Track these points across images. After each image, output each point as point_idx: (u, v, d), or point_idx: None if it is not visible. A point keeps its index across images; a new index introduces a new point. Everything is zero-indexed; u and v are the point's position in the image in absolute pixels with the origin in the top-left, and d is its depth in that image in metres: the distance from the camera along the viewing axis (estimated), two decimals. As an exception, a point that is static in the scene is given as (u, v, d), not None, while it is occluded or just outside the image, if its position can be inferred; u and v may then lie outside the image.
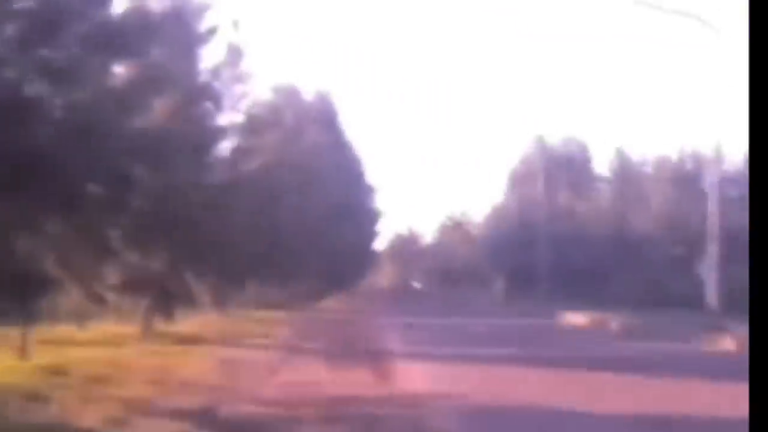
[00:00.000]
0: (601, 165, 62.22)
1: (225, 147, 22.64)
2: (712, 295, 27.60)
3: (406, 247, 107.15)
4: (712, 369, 16.60)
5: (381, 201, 64.64)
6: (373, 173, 65.37)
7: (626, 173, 58.72)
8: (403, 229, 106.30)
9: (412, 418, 9.74)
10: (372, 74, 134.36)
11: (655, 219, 52.17)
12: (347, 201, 43.91)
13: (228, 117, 23.88)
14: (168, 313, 18.33)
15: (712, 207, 28.86)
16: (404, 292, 65.72)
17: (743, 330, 23.50)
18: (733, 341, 21.25)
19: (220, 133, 21.51)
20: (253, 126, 25.80)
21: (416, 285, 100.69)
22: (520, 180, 64.86)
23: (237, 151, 22.88)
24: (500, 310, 44.13)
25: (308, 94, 45.47)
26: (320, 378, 12.94)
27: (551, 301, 46.71)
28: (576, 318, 32.55)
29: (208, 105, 20.48)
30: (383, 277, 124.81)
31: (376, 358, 16.18)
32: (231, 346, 18.56)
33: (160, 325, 19.44)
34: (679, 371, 15.45)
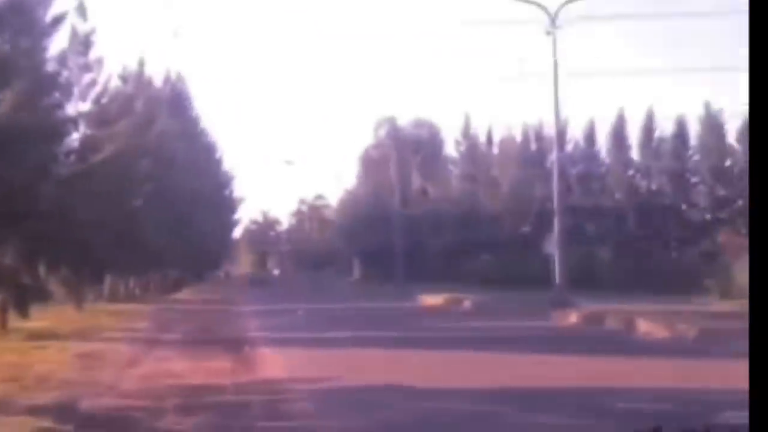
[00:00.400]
0: (451, 147, 63.49)
1: (75, 137, 22.19)
2: (558, 272, 28.72)
3: (262, 234, 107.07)
4: (557, 342, 17.48)
5: (238, 188, 64.30)
6: (229, 160, 64.88)
7: (474, 155, 60.01)
8: (258, 215, 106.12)
9: (271, 403, 9.94)
10: (224, 59, 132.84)
11: (504, 199, 53.71)
12: (204, 188, 43.55)
13: (77, 106, 23.51)
14: (22, 309, 17.87)
15: (555, 186, 29.98)
16: (263, 280, 66.03)
17: (586, 305, 24.81)
18: (576, 315, 22.29)
19: (70, 122, 21.06)
20: (103, 115, 25.35)
21: (275, 271, 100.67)
22: (373, 163, 65.55)
23: (87, 141, 22.42)
24: (358, 293, 44.83)
25: (160, 81, 44.74)
26: (180, 369, 12.97)
27: (407, 284, 47.73)
28: (431, 299, 33.53)
29: (56, 95, 20.04)
30: (241, 265, 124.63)
31: (234, 346, 16.29)
32: (88, 339, 18.28)
33: (15, 321, 18.96)
34: (525, 345, 16.26)
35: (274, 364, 13.72)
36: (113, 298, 36.06)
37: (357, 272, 72.72)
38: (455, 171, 64.01)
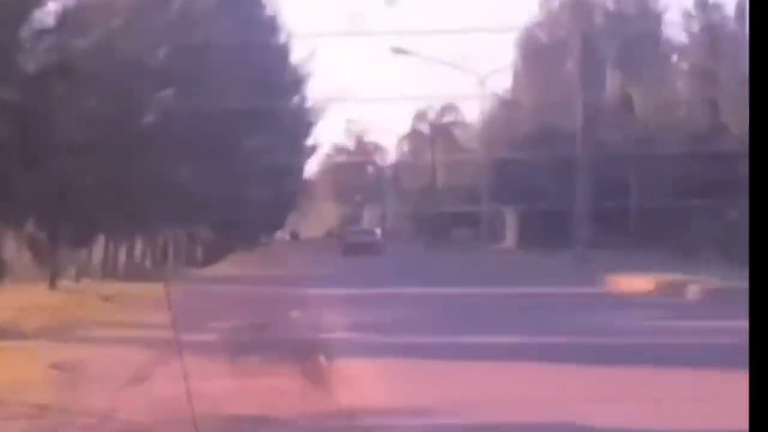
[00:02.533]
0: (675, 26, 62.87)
1: (49, 10, 22.65)
2: None
3: (355, 170, 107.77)
4: None
5: (315, 93, 64.90)
6: (301, 48, 65.28)
7: (717, 38, 59.46)
8: (348, 140, 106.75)
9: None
10: None
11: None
12: (256, 95, 44.06)
13: None
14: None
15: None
16: (366, 245, 67.62)
17: None
18: None
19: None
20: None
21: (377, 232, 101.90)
22: (541, 52, 65.46)
23: (68, 17, 22.89)
24: (512, 270, 45.22)
25: None
26: (216, 389, 13.28)
27: (592, 255, 47.86)
28: (633, 282, 33.63)
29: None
30: (319, 221, 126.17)
31: (305, 355, 16.57)
32: (69, 340, 18.81)
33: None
34: None
35: (368, 385, 13.96)
36: (110, 272, 37.01)
37: (510, 236, 72.72)
38: (681, 66, 63.25)
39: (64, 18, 22.18)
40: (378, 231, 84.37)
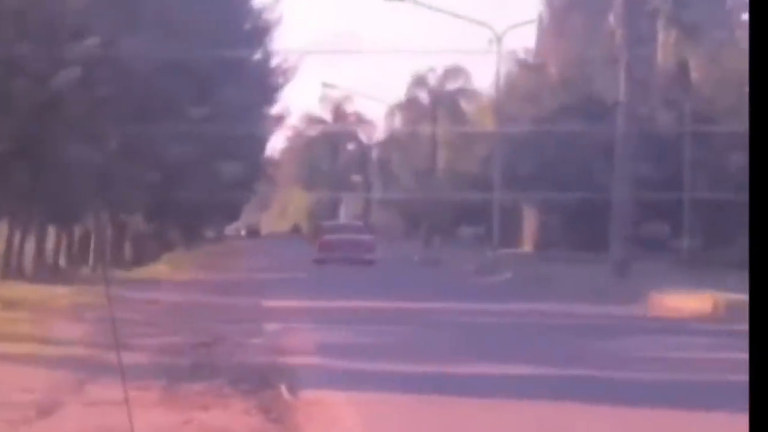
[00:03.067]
0: None
1: None
2: None
3: (331, 149, 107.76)
4: None
5: (281, 48, 64.99)
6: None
7: None
8: (324, 108, 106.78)
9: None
10: None
11: None
12: (206, 51, 44.00)
13: None
14: None
15: None
16: (349, 243, 65.07)
17: None
18: None
19: None
20: None
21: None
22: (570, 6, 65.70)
23: None
24: (531, 282, 45.42)
25: None
26: (142, 423, 13.38)
27: (631, 265, 48.06)
28: (683, 301, 33.93)
29: None
30: (283, 214, 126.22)
31: (258, 385, 16.68)
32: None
33: None
34: None
35: (342, 424, 14.07)
36: (10, 272, 36.99)
37: (529, 237, 72.91)
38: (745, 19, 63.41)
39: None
40: (364, 227, 78.58)
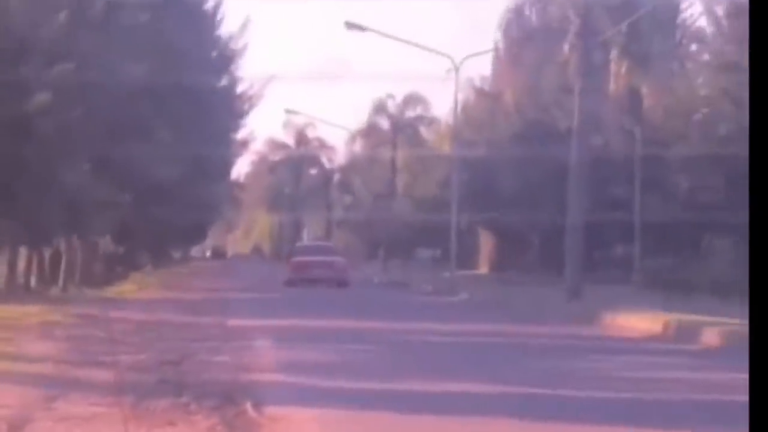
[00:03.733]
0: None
1: None
2: None
3: (295, 174, 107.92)
4: None
5: (248, 75, 64.98)
6: (233, 21, 65.40)
7: (740, 26, 60.11)
8: (288, 134, 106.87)
9: None
10: None
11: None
12: (175, 77, 44.00)
13: None
14: None
15: None
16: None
17: None
18: None
19: None
20: None
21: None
22: (523, 39, 65.83)
23: None
24: (490, 305, 45.48)
25: None
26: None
27: (586, 286, 48.19)
28: (637, 321, 34.03)
29: None
30: (248, 235, 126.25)
31: (225, 403, 16.60)
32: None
33: None
34: None
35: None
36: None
37: (485, 259, 72.98)
38: (702, 58, 63.65)
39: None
40: (335, 248, 74.02)
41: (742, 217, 40.32)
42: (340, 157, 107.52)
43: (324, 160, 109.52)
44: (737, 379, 22.33)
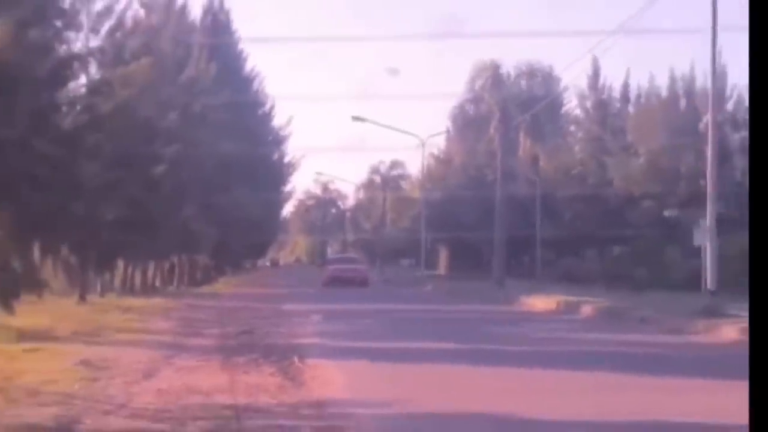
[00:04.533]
0: (573, 103, 63.27)
1: (81, 82, 22.43)
2: (710, 271, 28.46)
3: (321, 212, 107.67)
4: (712, 365, 17.22)
5: (291, 151, 64.82)
6: (281, 115, 65.30)
7: (604, 114, 59.96)
8: (316, 188, 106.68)
9: (323, 429, 9.96)
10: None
11: (642, 173, 53.56)
12: (245, 152, 44.01)
13: (86, 41, 23.81)
14: (9, 301, 18.13)
15: (710, 157, 29.69)
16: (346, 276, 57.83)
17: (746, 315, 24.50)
18: (735, 329, 21.91)
19: (75, 61, 21.20)
20: (119, 52, 25.64)
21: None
22: (468, 123, 65.44)
23: (96, 86, 22.63)
24: (443, 293, 45.28)
25: (196, 10, 45.21)
26: (209, 383, 13.09)
27: (508, 282, 47.98)
28: (540, 302, 33.86)
29: (58, 24, 20.22)
30: (292, 252, 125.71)
31: (282, 356, 16.41)
32: (93, 342, 18.59)
33: (1, 317, 19.34)
34: (670, 367, 16.12)
35: (332, 380, 13.77)
36: (126, 290, 36.71)
37: (443, 264, 72.83)
38: (577, 134, 63.62)
39: (93, 86, 22.03)
40: (358, 258, 68.29)
41: (605, 234, 39.84)
42: (350, 201, 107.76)
43: (340, 203, 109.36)
44: (600, 336, 22.40)
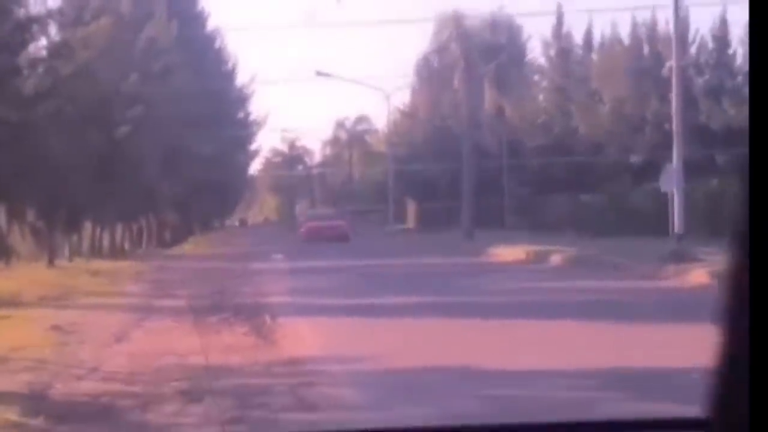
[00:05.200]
0: (537, 52, 63.19)
1: (41, 44, 22.25)
2: (677, 216, 28.62)
3: (288, 169, 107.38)
4: (681, 308, 17.34)
5: (256, 109, 64.59)
6: (244, 72, 65.00)
7: (567, 62, 59.93)
8: (283, 145, 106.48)
9: (297, 388, 9.94)
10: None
11: (607, 121, 53.64)
12: (209, 110, 43.75)
13: (45, 2, 23.53)
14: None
15: (674, 103, 29.77)
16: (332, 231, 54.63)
17: (714, 259, 24.64)
18: (702, 273, 22.06)
19: (34, 24, 21.02)
20: (78, 13, 25.39)
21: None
22: (433, 75, 65.32)
23: (56, 48, 22.46)
24: (412, 245, 45.37)
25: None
26: (182, 345, 13.07)
27: (476, 233, 48.09)
28: (508, 252, 33.99)
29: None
30: (261, 210, 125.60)
31: (253, 315, 16.40)
32: (63, 307, 18.53)
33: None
34: (638, 313, 16.24)
35: (304, 338, 13.78)
36: (95, 253, 36.53)
37: (411, 218, 72.93)
38: (542, 84, 63.59)
39: (54, 48, 21.81)
40: (337, 213, 63.01)
41: (573, 182, 39.95)
42: (317, 157, 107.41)
43: (306, 159, 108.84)
44: (566, 284, 22.55)
